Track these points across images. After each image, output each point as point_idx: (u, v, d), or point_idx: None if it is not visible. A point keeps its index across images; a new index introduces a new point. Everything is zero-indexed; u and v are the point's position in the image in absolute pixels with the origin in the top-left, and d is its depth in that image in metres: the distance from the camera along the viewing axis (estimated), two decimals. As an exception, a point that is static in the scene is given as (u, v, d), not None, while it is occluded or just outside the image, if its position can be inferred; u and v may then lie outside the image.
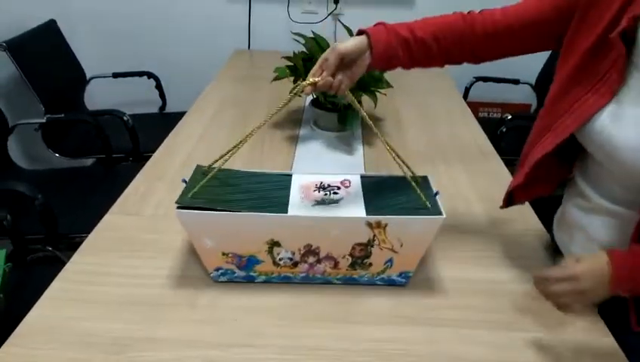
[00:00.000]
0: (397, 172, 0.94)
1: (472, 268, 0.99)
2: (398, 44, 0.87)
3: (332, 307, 0.90)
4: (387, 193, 0.91)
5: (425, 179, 0.94)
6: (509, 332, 0.85)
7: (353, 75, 0.87)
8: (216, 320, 0.86)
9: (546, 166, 0.89)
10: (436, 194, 0.89)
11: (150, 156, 1.40)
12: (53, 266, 1.02)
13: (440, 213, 0.85)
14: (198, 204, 0.84)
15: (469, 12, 0.90)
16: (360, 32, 0.87)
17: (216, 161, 0.89)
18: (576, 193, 0.93)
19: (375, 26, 0.88)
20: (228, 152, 0.87)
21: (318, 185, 0.93)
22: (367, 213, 0.85)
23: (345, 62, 0.85)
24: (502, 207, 1.01)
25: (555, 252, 1.02)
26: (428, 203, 0.87)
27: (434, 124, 1.64)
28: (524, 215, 1.15)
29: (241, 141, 0.85)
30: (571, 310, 0.77)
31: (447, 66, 0.94)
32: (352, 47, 0.84)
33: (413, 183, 0.87)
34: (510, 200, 1.00)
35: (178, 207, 0.84)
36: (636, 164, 0.73)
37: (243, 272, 0.92)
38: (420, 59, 0.90)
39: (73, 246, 1.05)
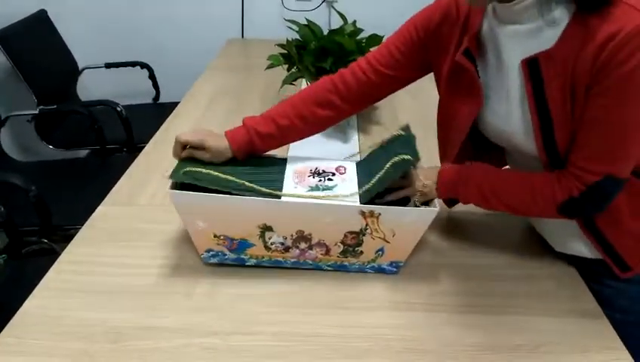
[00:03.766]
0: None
1: (462, 254, 1.00)
2: (259, 141, 0.94)
3: (325, 293, 0.90)
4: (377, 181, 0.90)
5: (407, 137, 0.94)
6: (499, 316, 0.86)
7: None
8: (212, 308, 0.86)
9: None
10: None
11: (144, 147, 1.39)
12: (48, 258, 1.01)
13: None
14: (189, 181, 0.84)
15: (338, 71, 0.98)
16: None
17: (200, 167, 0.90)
18: None
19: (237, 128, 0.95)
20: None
21: (313, 171, 0.93)
22: (361, 201, 0.85)
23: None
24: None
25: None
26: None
27: (429, 109, 1.62)
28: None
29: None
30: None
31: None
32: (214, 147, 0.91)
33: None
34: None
35: (171, 188, 0.84)
36: (527, 145, 0.83)
37: (234, 255, 0.92)
38: (294, 138, 0.98)
39: (68, 237, 1.04)
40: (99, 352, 0.77)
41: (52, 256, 1.00)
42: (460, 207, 1.02)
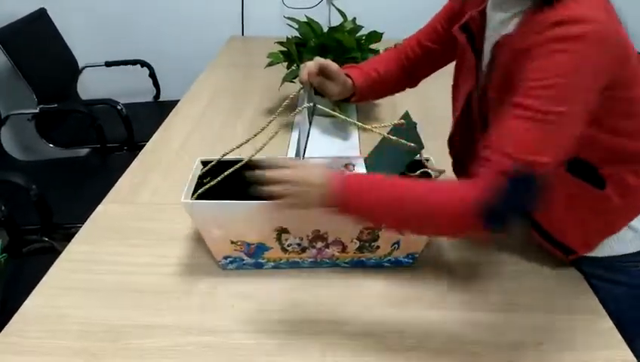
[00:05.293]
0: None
1: (463, 251, 0.99)
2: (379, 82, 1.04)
3: (325, 292, 0.90)
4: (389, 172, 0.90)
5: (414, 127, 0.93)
6: (501, 313, 0.85)
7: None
8: (212, 306, 0.86)
9: None
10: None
11: (145, 145, 1.39)
12: (49, 256, 1.01)
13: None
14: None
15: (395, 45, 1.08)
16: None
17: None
18: None
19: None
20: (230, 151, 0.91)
21: None
22: None
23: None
24: None
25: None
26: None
27: (431, 107, 1.62)
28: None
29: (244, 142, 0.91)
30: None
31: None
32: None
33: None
34: None
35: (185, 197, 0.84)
36: None
37: (252, 259, 0.92)
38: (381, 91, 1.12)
39: (68, 236, 1.04)
40: (99, 350, 0.77)
41: (53, 254, 1.00)
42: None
